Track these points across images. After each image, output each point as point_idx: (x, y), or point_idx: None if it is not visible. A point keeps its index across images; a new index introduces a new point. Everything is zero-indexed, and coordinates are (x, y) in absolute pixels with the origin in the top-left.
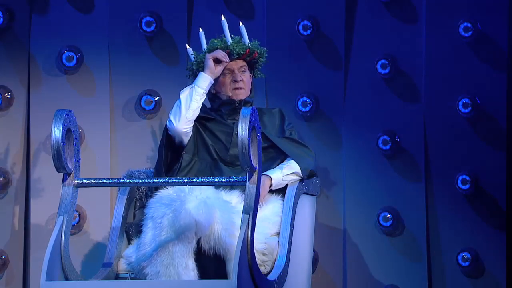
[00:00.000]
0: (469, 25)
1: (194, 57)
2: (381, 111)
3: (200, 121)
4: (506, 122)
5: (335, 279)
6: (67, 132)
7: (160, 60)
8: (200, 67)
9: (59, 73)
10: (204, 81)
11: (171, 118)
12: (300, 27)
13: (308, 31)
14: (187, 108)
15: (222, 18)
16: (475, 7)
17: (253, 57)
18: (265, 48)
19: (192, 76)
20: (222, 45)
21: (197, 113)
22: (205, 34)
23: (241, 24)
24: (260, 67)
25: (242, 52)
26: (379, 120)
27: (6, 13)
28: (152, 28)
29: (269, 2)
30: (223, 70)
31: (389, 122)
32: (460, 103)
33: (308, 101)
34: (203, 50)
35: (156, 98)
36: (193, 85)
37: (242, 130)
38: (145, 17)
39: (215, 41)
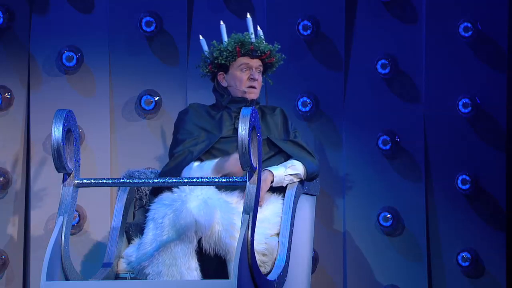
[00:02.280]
0: (469, 25)
1: (213, 46)
2: (381, 111)
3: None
4: (506, 122)
5: (335, 279)
6: (67, 132)
7: (160, 60)
8: (222, 56)
9: (59, 73)
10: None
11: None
12: (300, 27)
13: (308, 31)
14: None
15: (248, 16)
16: (475, 7)
17: (270, 60)
18: (283, 55)
19: (205, 66)
20: (249, 40)
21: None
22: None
23: (258, 28)
24: (269, 73)
25: (265, 52)
26: (379, 120)
27: (6, 13)
28: (152, 28)
29: (269, 2)
30: (241, 65)
31: (389, 122)
32: (460, 103)
33: (308, 101)
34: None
35: (156, 98)
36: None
37: (242, 130)
38: (145, 17)
39: (241, 35)
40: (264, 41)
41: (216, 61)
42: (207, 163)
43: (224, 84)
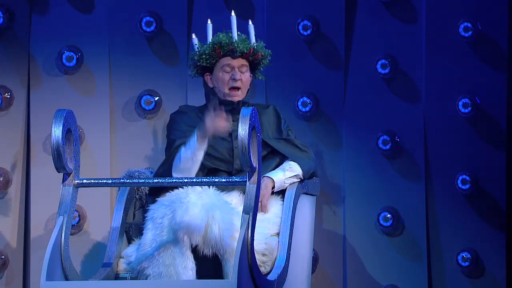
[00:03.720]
0: (469, 25)
1: (197, 48)
2: (381, 111)
3: None
4: (506, 122)
5: (335, 279)
6: (67, 132)
7: (160, 60)
8: (202, 59)
9: (59, 73)
10: (202, 151)
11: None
12: (300, 27)
13: (308, 31)
14: (195, 171)
15: (232, 14)
16: (475, 7)
17: (256, 57)
18: (269, 50)
19: (192, 66)
20: (227, 40)
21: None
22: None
23: (250, 23)
24: (261, 69)
25: (245, 51)
26: (379, 120)
27: (6, 13)
28: (152, 28)
29: (269, 2)
30: (223, 66)
31: (389, 122)
32: (460, 103)
33: (308, 101)
34: (208, 41)
35: (156, 98)
36: (190, 150)
37: (242, 130)
38: (145, 17)
39: (221, 35)
40: (247, 40)
41: (198, 64)
42: (192, 138)
43: (210, 85)
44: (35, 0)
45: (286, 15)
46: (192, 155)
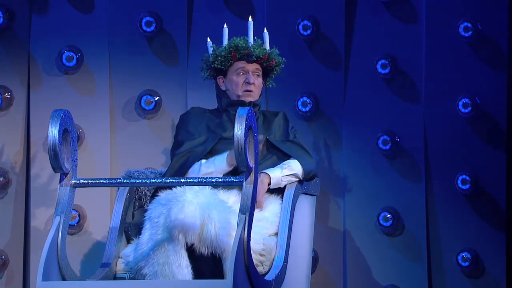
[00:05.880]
0: (469, 25)
1: (212, 50)
2: (381, 111)
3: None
4: (506, 122)
5: (335, 279)
6: (64, 132)
7: (160, 60)
8: (217, 61)
9: (59, 73)
10: (224, 171)
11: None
12: (300, 27)
13: (308, 31)
14: None
15: (250, 19)
16: (475, 7)
17: (269, 64)
18: (283, 58)
19: (205, 69)
20: (244, 44)
21: None
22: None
23: (265, 30)
24: (273, 77)
25: (261, 56)
26: (379, 120)
27: (6, 13)
28: (152, 28)
29: (269, 2)
30: (238, 69)
31: (389, 122)
32: (460, 103)
33: (308, 101)
34: (223, 45)
35: (156, 98)
36: (215, 168)
37: (239, 130)
38: (145, 17)
39: (237, 39)
40: (262, 45)
41: (212, 66)
42: (218, 157)
43: (223, 87)
44: (35, 0)
45: (286, 15)
46: (215, 172)
